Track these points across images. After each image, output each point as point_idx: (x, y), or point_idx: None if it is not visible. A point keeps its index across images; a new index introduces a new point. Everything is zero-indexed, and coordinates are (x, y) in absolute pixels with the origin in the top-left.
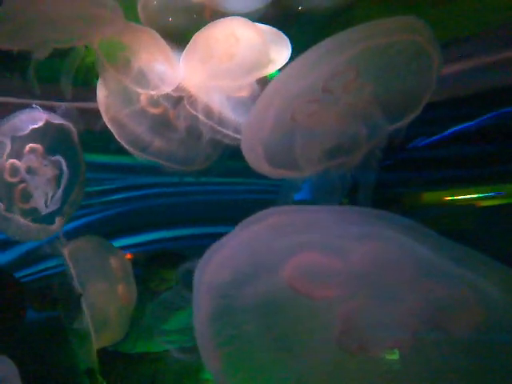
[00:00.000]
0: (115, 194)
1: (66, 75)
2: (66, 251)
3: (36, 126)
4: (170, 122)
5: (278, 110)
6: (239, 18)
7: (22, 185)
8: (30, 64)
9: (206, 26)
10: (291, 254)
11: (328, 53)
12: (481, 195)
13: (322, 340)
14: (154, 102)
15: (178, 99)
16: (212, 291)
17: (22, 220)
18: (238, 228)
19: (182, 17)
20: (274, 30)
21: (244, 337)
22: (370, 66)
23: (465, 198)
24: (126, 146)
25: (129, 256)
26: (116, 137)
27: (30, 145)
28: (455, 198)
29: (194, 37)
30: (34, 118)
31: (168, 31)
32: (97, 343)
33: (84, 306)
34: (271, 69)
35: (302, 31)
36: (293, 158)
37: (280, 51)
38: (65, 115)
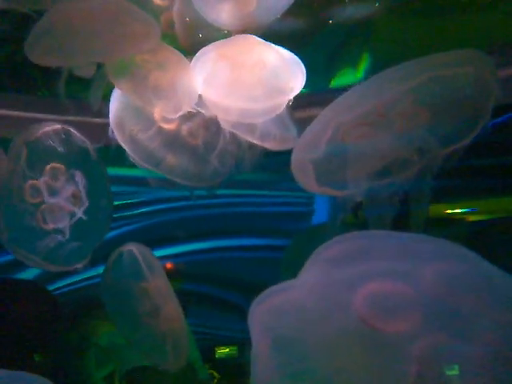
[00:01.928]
0: (141, 207)
1: (96, 90)
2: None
3: (56, 143)
4: (183, 138)
5: (332, 132)
6: (261, 40)
7: (44, 205)
8: (59, 79)
9: (228, 44)
10: (359, 284)
11: (390, 82)
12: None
13: (395, 377)
14: (168, 118)
15: (192, 115)
16: (269, 332)
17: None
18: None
19: (212, 32)
20: (292, 54)
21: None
22: (428, 95)
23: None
24: (139, 162)
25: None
26: (129, 152)
27: (52, 164)
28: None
29: (216, 54)
30: (55, 135)
31: (198, 47)
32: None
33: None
34: (290, 95)
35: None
36: (342, 178)
37: (297, 77)
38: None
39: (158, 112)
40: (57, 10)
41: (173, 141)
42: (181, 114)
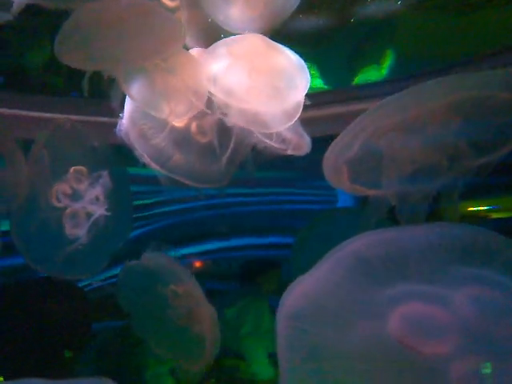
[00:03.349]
0: (163, 206)
1: (117, 90)
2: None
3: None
4: (192, 136)
5: (368, 136)
6: (272, 42)
7: (70, 209)
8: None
9: (242, 45)
10: (394, 303)
11: (430, 94)
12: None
13: None
14: (181, 115)
15: (203, 114)
16: (289, 321)
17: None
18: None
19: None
20: (298, 57)
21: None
22: (465, 108)
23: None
24: (148, 160)
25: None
26: (139, 150)
27: (74, 167)
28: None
29: (230, 56)
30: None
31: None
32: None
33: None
34: (297, 97)
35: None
36: (374, 178)
37: (304, 81)
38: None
39: (168, 111)
40: (86, 9)
41: (182, 139)
42: (191, 114)
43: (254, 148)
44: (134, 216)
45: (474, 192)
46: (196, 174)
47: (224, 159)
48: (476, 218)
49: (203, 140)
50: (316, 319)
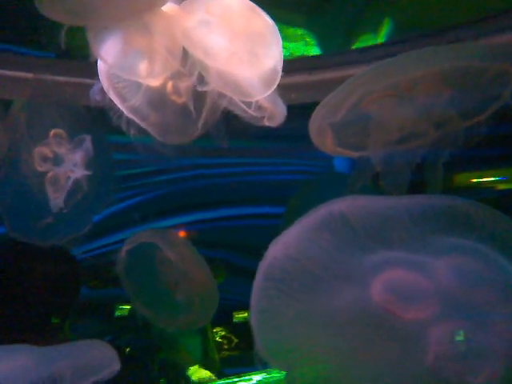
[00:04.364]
0: (154, 176)
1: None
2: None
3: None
4: (167, 96)
5: (356, 100)
6: (252, 4)
7: (52, 172)
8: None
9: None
10: (377, 269)
11: (421, 61)
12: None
13: (412, 360)
14: (156, 75)
15: (179, 75)
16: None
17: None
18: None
19: None
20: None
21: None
22: (454, 78)
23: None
24: (124, 120)
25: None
26: (115, 110)
27: (54, 130)
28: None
29: (209, 11)
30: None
31: None
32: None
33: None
34: (276, 64)
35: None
36: (359, 142)
37: (280, 46)
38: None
39: (142, 72)
40: None
41: (158, 99)
42: (166, 73)
43: (227, 115)
44: (123, 186)
45: (479, 163)
46: (172, 132)
47: (199, 121)
48: (481, 189)
49: (179, 100)
50: (295, 280)
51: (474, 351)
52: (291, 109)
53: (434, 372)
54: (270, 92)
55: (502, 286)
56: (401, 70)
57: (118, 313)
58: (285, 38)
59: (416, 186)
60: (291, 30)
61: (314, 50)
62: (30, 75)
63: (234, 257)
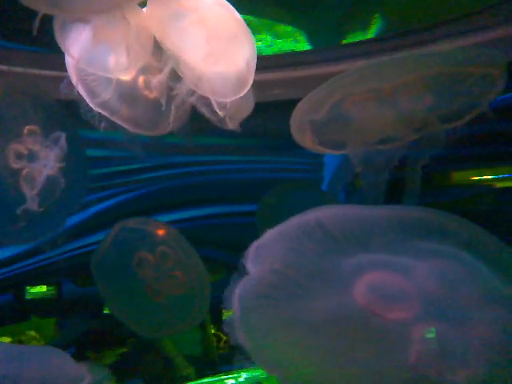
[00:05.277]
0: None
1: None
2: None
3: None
4: (138, 90)
5: (338, 100)
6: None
7: (26, 170)
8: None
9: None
10: (358, 273)
11: (404, 67)
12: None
13: (394, 359)
14: (125, 69)
15: (150, 68)
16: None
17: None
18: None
19: None
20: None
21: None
22: (437, 84)
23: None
24: (95, 109)
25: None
26: (86, 104)
27: (28, 127)
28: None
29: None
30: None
31: None
32: None
33: None
34: (249, 62)
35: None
36: (338, 141)
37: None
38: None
39: (112, 65)
40: None
41: (129, 93)
42: (136, 67)
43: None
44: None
45: (479, 161)
46: (143, 127)
47: (170, 116)
48: (481, 187)
49: (150, 95)
50: (282, 290)
51: (454, 350)
52: (276, 105)
53: (415, 370)
54: (243, 92)
55: (480, 288)
56: (384, 76)
57: (106, 310)
58: (275, 35)
59: (394, 186)
60: (281, 27)
61: (304, 48)
62: (4, 67)
63: (214, 253)
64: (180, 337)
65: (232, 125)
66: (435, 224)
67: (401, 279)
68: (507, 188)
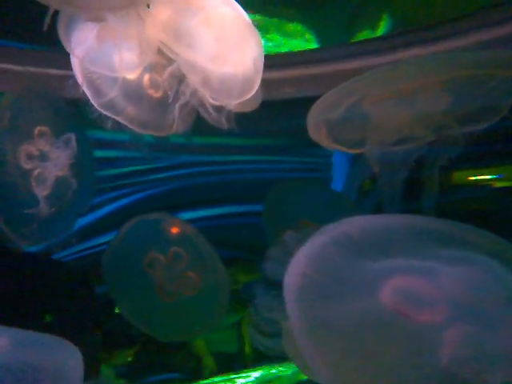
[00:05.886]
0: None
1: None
2: None
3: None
4: (144, 89)
5: (356, 100)
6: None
7: (37, 170)
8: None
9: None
10: (385, 276)
11: (423, 69)
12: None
13: (427, 362)
14: (130, 67)
15: (156, 67)
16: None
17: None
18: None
19: None
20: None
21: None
22: (456, 87)
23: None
24: (100, 110)
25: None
26: (92, 103)
27: (39, 128)
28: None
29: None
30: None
31: None
32: None
33: None
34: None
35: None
36: (355, 140)
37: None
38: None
39: (120, 61)
40: None
41: (135, 92)
42: (142, 65)
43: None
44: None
45: (476, 161)
46: (149, 125)
47: (176, 116)
48: (478, 187)
49: (156, 94)
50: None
51: (489, 351)
52: (288, 104)
53: (449, 373)
54: (250, 93)
55: (507, 291)
56: (403, 78)
57: (117, 310)
58: (284, 34)
59: (412, 186)
60: (291, 26)
61: (313, 46)
62: (19, 68)
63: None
64: (213, 335)
65: (232, 125)
66: (457, 233)
67: (430, 282)
68: None
